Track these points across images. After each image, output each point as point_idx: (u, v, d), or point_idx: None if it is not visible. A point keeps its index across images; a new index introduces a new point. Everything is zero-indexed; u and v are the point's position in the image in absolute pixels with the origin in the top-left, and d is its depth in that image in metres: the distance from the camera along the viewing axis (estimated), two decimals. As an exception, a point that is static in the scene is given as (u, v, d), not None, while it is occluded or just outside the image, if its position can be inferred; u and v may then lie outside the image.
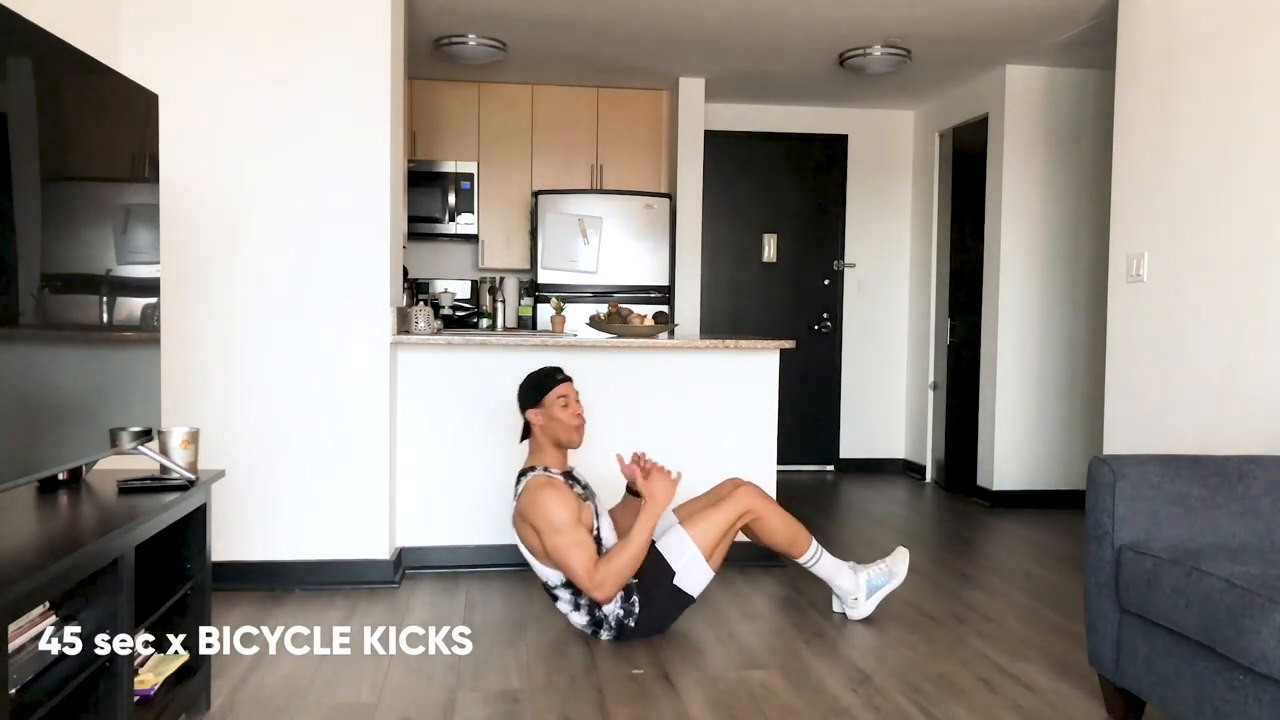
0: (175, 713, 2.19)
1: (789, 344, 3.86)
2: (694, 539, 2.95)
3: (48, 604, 1.75)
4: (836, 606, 3.25)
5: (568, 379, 3.08)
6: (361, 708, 2.45)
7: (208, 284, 3.41)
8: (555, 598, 2.97)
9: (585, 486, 3.09)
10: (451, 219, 5.62)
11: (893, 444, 6.43)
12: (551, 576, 2.93)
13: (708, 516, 3.00)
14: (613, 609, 2.90)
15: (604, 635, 2.93)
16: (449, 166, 5.61)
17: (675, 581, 2.93)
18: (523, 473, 3.02)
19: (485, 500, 3.67)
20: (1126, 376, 3.76)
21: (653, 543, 2.99)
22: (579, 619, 2.94)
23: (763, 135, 6.19)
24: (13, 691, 1.59)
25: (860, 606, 3.17)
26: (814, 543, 3.16)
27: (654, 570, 2.93)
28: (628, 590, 2.91)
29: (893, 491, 5.78)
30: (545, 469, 2.99)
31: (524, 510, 2.91)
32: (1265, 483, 2.35)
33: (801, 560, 3.15)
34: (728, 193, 6.11)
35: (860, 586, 3.16)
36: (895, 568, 3.21)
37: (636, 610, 2.90)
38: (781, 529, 3.11)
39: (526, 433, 3.09)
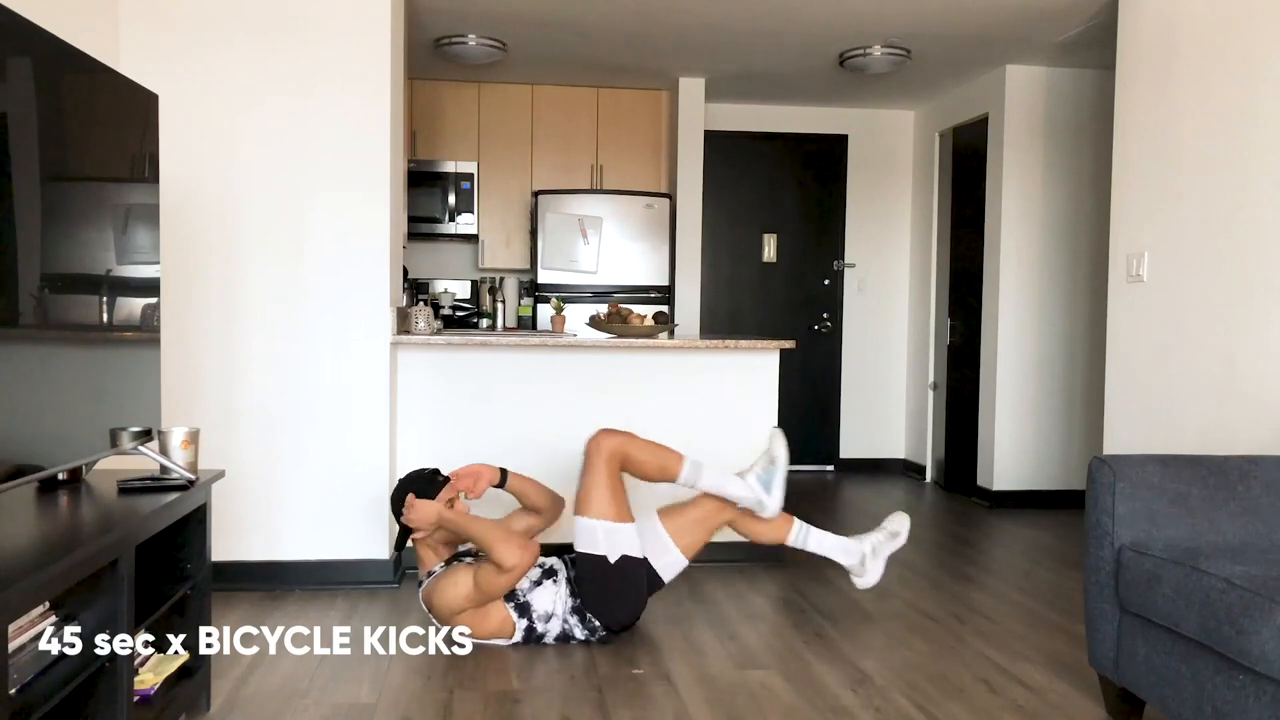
0: (175, 713, 2.19)
1: (789, 344, 3.86)
2: (591, 517, 2.91)
3: (48, 604, 1.75)
4: (860, 582, 3.16)
5: (446, 481, 3.00)
6: (361, 708, 2.44)
7: (208, 284, 3.42)
8: (528, 640, 2.92)
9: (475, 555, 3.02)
10: (451, 219, 5.62)
11: (893, 444, 6.44)
12: (510, 642, 2.89)
13: (585, 491, 2.94)
14: (579, 632, 2.90)
15: (594, 642, 2.93)
16: (449, 166, 5.61)
17: (613, 561, 2.88)
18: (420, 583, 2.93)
19: (485, 500, 3.67)
20: (1126, 376, 3.76)
21: (576, 551, 2.98)
22: (555, 642, 2.93)
23: (763, 135, 6.19)
24: (13, 691, 1.59)
25: (768, 505, 3.05)
26: (686, 462, 3.01)
27: (593, 572, 2.89)
28: (579, 613, 2.90)
29: (893, 491, 5.78)
30: (429, 573, 2.93)
31: (432, 606, 2.84)
32: (1265, 483, 2.35)
33: (681, 481, 3.02)
34: (728, 193, 6.11)
35: (754, 487, 3.04)
36: (774, 452, 3.08)
37: (598, 623, 2.90)
38: (648, 458, 3.00)
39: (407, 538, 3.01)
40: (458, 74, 5.45)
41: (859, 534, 3.21)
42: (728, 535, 3.78)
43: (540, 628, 2.89)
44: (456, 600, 2.79)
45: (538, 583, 2.93)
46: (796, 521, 3.16)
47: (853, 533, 3.24)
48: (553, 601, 2.90)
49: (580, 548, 2.93)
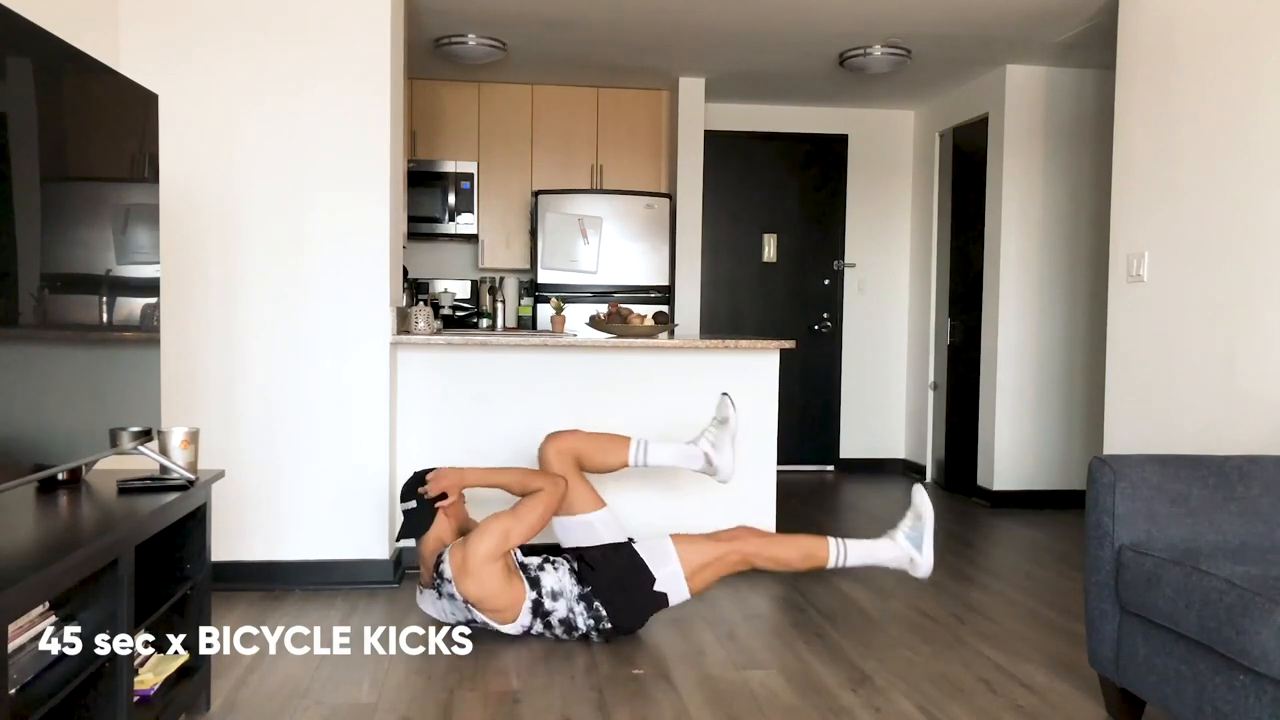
0: (175, 713, 2.19)
1: (789, 344, 3.86)
2: (679, 552, 2.93)
3: (48, 604, 1.75)
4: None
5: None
6: (361, 708, 2.44)
7: (208, 284, 3.41)
8: (535, 614, 2.92)
9: None
10: (451, 219, 5.62)
11: (893, 444, 6.44)
12: (517, 622, 2.89)
13: (700, 541, 2.97)
14: (582, 621, 2.90)
15: (594, 640, 2.93)
16: (449, 166, 5.61)
17: (655, 588, 2.91)
18: (438, 561, 2.92)
19: (485, 500, 3.67)
20: (1126, 376, 3.76)
21: (631, 542, 3.01)
22: (561, 634, 2.93)
23: (763, 135, 6.19)
24: (13, 691, 1.59)
25: (920, 565, 2.99)
26: (832, 544, 3.00)
27: (630, 571, 2.91)
28: (588, 600, 2.90)
29: (893, 491, 5.77)
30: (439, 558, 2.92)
31: (463, 570, 2.82)
32: (1265, 483, 2.35)
33: (831, 567, 3.01)
34: (728, 193, 6.11)
35: (904, 548, 3.00)
36: (920, 510, 3.04)
37: (604, 614, 2.90)
38: (791, 555, 3.01)
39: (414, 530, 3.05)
40: (458, 74, 5.45)
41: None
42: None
43: (548, 604, 2.89)
44: (495, 540, 2.80)
45: (541, 566, 2.95)
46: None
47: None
48: (559, 583, 2.91)
49: (641, 550, 2.96)
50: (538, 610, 2.89)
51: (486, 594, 2.81)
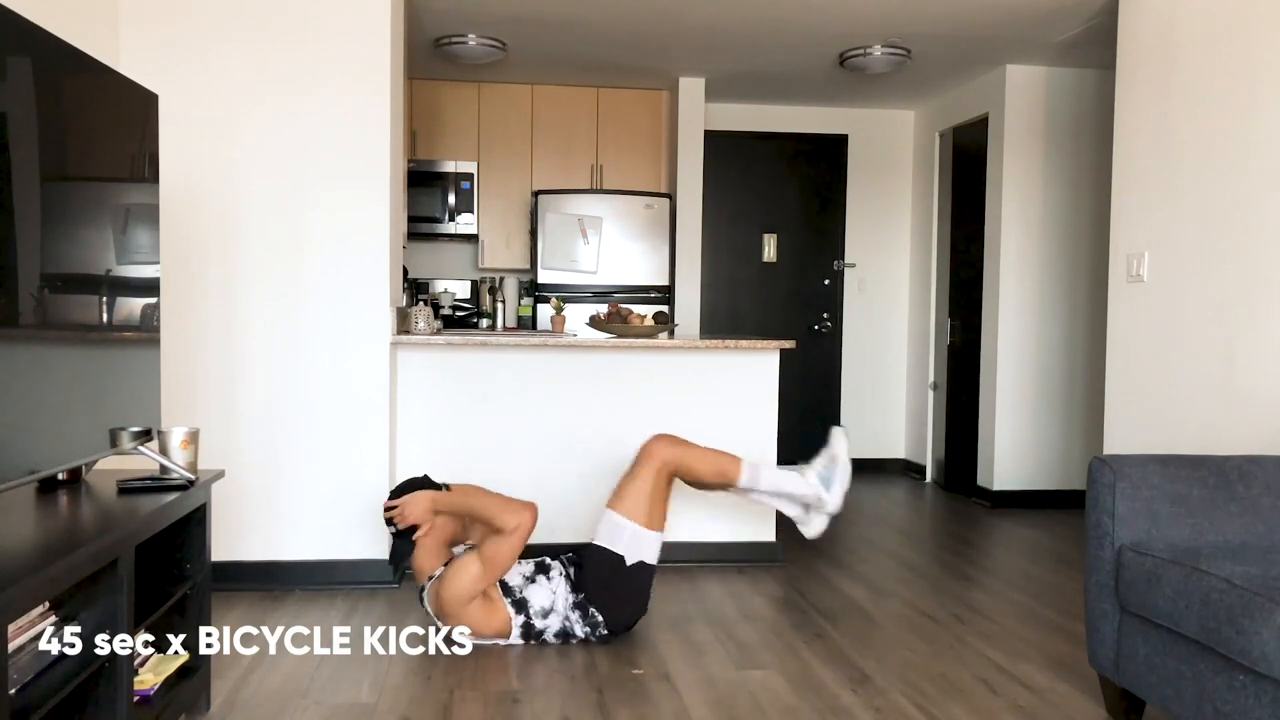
0: (175, 713, 2.19)
1: (789, 344, 3.86)
2: (624, 515, 2.91)
3: (48, 604, 1.75)
4: (807, 530, 3.17)
5: (439, 486, 2.99)
6: (361, 708, 2.44)
7: (208, 284, 3.41)
8: (527, 637, 2.91)
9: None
10: (451, 219, 5.62)
11: (893, 444, 6.44)
12: (512, 625, 2.88)
13: (627, 489, 2.95)
14: (579, 629, 2.90)
15: (593, 641, 2.93)
16: (449, 166, 5.61)
17: (629, 564, 2.89)
18: (421, 589, 2.94)
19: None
20: (1126, 376, 3.76)
21: (592, 542, 2.96)
22: (556, 639, 2.92)
23: (763, 135, 6.19)
24: (13, 691, 1.59)
25: (827, 503, 3.09)
26: (744, 465, 3.05)
27: (604, 568, 2.90)
28: (582, 608, 2.89)
29: (893, 491, 5.78)
30: (430, 577, 2.90)
31: (440, 611, 2.82)
32: (1265, 483, 2.35)
33: (742, 485, 3.05)
34: (728, 193, 6.11)
35: (814, 485, 3.09)
36: (835, 451, 3.12)
37: (601, 619, 2.90)
38: (705, 466, 3.01)
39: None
40: (458, 74, 5.45)
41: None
42: (728, 536, 3.80)
43: (539, 624, 2.88)
44: (467, 585, 2.76)
45: (531, 579, 2.93)
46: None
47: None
48: (550, 597, 2.90)
49: (600, 540, 2.93)
50: (529, 632, 2.88)
51: (469, 629, 2.76)
